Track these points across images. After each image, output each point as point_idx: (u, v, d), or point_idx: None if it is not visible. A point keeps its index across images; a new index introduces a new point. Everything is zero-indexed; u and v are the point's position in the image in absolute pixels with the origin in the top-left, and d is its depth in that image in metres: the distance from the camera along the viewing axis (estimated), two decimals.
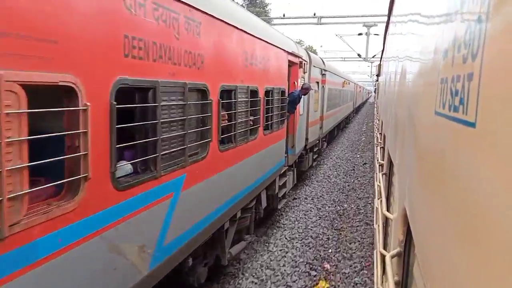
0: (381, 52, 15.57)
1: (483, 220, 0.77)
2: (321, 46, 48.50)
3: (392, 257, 2.35)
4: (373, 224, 8.21)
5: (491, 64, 0.76)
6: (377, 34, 27.60)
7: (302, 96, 10.13)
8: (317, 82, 14.29)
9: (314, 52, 20.03)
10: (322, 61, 16.50)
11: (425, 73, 1.65)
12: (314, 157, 15.20)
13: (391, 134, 4.30)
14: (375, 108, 29.93)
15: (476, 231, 0.80)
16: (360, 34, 29.16)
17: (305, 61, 11.22)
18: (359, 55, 32.88)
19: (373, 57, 32.38)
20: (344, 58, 41.45)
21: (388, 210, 3.80)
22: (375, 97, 37.36)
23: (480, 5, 0.85)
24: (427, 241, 1.36)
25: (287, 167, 10.06)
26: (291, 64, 9.65)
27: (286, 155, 9.80)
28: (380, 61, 16.15)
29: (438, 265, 1.15)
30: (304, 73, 11.26)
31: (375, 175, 9.30)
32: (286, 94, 9.10)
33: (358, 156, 19.79)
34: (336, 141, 24.34)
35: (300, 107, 10.92)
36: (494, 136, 0.72)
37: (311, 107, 13.01)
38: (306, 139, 12.48)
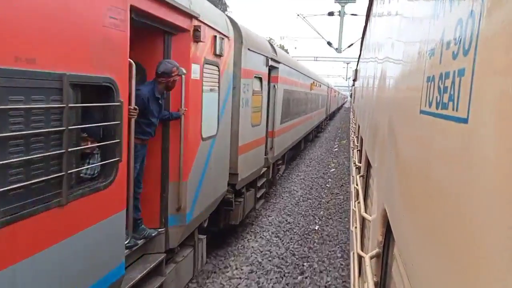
0: (359, 51, 14.90)
1: (473, 218, 0.76)
2: (295, 48, 48.09)
3: (371, 258, 2.36)
4: (349, 228, 8.19)
5: (484, 58, 0.75)
6: (355, 14, 20.15)
7: (165, 92, 4.92)
8: (259, 78, 8.81)
9: (286, 52, 13.06)
10: (272, 45, 10.43)
11: (409, 73, 1.66)
12: (259, 195, 9.80)
13: (369, 137, 4.35)
14: (351, 113, 28.50)
15: (467, 229, 0.79)
16: (331, 13, 21.34)
17: (218, 31, 5.91)
18: (329, 43, 23.78)
19: (349, 46, 24.04)
20: (316, 58, 35.62)
21: (365, 212, 3.82)
22: (351, 101, 37.33)
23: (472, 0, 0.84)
24: (409, 241, 1.36)
25: (166, 252, 5.18)
26: (165, 26, 4.61)
27: (158, 230, 5.04)
28: (357, 65, 16.37)
29: (421, 263, 1.14)
30: (219, 56, 6.02)
31: (351, 178, 8.91)
32: (117, 91, 3.51)
33: (315, 228, 9.40)
34: (281, 192, 12.38)
35: (217, 122, 6.12)
36: (487, 130, 0.72)
37: (243, 118, 7.65)
38: (236, 174, 7.57)
